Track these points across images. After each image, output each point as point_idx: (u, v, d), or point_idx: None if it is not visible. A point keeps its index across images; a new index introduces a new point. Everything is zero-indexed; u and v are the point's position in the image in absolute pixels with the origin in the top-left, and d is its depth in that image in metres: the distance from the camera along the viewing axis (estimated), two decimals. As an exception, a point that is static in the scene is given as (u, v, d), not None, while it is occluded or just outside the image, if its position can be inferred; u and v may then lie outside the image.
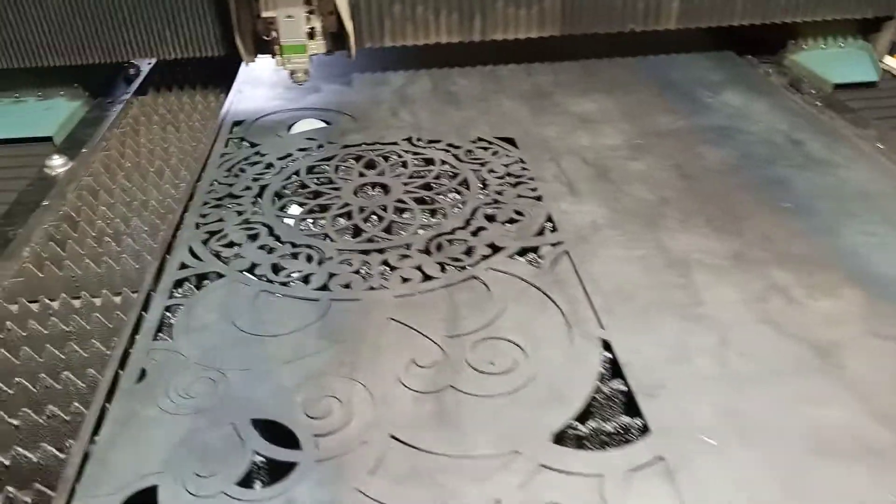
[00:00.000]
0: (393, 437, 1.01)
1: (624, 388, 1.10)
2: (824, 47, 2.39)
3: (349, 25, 2.02)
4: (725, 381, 1.07)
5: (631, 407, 1.08)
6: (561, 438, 1.03)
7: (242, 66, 2.37)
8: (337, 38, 2.09)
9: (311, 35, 2.01)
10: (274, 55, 2.05)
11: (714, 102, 2.03)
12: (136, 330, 1.25)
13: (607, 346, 1.16)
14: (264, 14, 1.94)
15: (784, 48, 2.41)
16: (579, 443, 1.06)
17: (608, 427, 1.06)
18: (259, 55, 2.12)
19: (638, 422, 1.04)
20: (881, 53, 2.32)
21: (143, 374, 1.15)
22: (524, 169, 1.71)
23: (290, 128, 1.98)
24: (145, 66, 2.58)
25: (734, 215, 1.48)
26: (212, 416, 1.06)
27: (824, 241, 1.39)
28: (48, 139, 2.08)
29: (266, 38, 2.01)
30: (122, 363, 1.18)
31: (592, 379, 1.09)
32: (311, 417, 1.05)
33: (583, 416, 1.06)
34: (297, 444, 1.01)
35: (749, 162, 1.70)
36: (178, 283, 1.37)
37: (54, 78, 2.26)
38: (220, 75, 2.37)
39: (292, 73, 2.08)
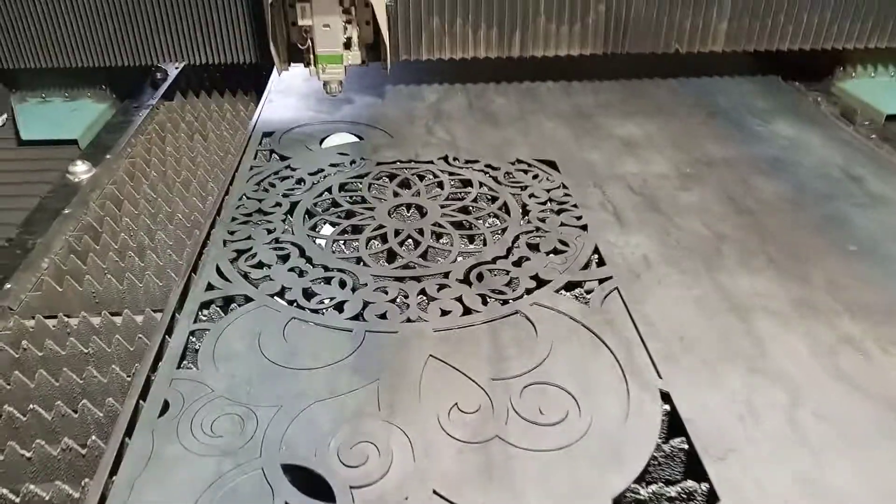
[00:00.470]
0: (436, 494, 0.92)
1: (685, 446, 1.01)
2: (874, 76, 2.32)
3: (386, 37, 1.95)
4: (801, 445, 0.98)
5: (691, 467, 0.99)
6: (618, 501, 0.94)
7: (273, 75, 2.32)
8: (372, 49, 2.03)
9: (348, 45, 1.95)
10: (308, 64, 1.98)
11: (764, 131, 1.94)
12: (158, 356, 1.17)
13: (666, 397, 1.07)
14: (301, 22, 1.87)
15: (832, 75, 2.33)
16: (638, 507, 0.97)
17: (671, 491, 0.97)
18: (292, 64, 2.06)
19: (704, 487, 0.95)
20: None
21: (165, 406, 1.07)
22: (567, 195, 1.63)
23: (321, 141, 1.90)
24: (173, 70, 2.53)
25: (796, 257, 1.39)
26: (240, 458, 0.98)
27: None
28: (73, 142, 2.02)
29: (301, 46, 1.95)
30: (144, 393, 1.10)
31: (654, 436, 1.00)
32: (347, 465, 0.96)
33: (641, 477, 0.97)
34: (332, 496, 0.93)
35: (807, 197, 1.60)
36: (205, 306, 1.29)
37: (81, 79, 2.22)
38: (250, 83, 2.32)
39: (326, 84, 2.01)
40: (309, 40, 1.91)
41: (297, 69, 2.07)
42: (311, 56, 1.94)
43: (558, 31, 2.11)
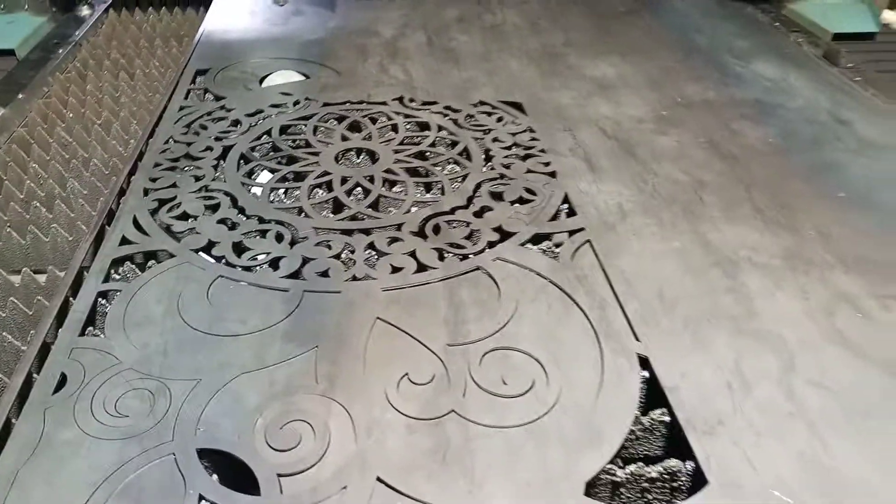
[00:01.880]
0: (380, 482, 0.78)
1: (667, 418, 0.89)
2: None
3: None
4: (798, 418, 0.86)
5: (674, 442, 0.87)
6: (592, 484, 0.81)
7: None
8: None
9: None
10: None
11: (745, 72, 1.80)
12: (59, 320, 1.00)
13: (645, 363, 0.94)
14: None
15: None
16: (613, 490, 0.85)
17: (651, 471, 0.84)
18: None
19: (689, 466, 0.83)
20: (881, 6, 2.24)
21: (63, 380, 0.91)
22: (534, 139, 1.47)
23: (262, 80, 1.71)
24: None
25: (784, 205, 1.26)
26: (147, 442, 0.82)
27: (893, 241, 1.18)
28: (10, 52, 1.90)
29: None
30: (39, 365, 0.93)
31: (631, 410, 0.87)
32: (275, 449, 0.82)
33: (617, 454, 0.84)
34: (256, 486, 0.78)
35: (793, 143, 1.47)
36: (118, 263, 1.11)
37: None
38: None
39: None
40: None
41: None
42: None
43: None
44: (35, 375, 0.92)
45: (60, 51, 1.96)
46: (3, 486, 0.78)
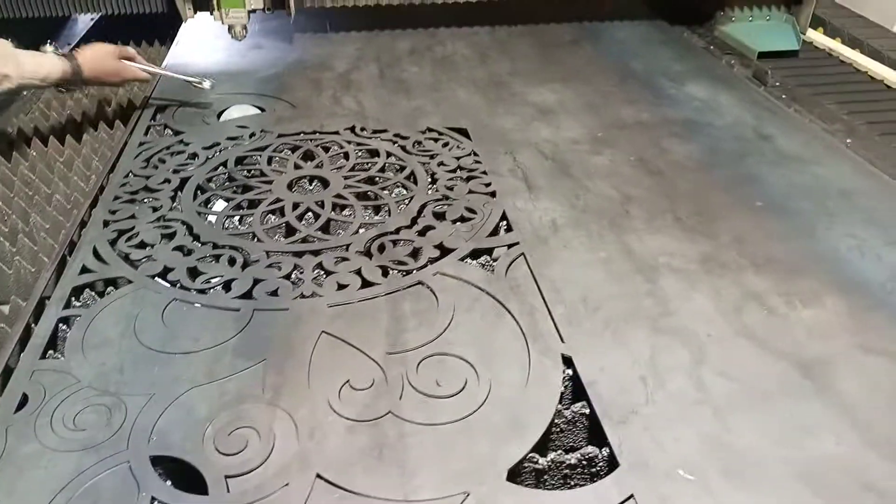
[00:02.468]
0: (320, 477, 0.85)
1: (587, 411, 0.96)
2: (752, 19, 2.44)
3: None
4: (704, 405, 0.95)
5: (596, 433, 0.94)
6: (517, 472, 0.89)
7: (182, 27, 2.31)
8: None
9: None
10: (212, 11, 1.97)
11: (678, 94, 1.92)
12: (21, 346, 1.06)
13: (569, 362, 1.02)
14: None
15: (713, 19, 2.47)
16: (538, 477, 0.92)
17: (570, 458, 0.92)
18: (199, 12, 2.04)
19: (605, 452, 0.91)
20: (804, 26, 2.39)
21: (24, 400, 0.96)
22: (477, 162, 1.57)
23: (220, 115, 1.79)
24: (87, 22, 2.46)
25: (704, 215, 1.37)
26: (104, 452, 0.88)
27: (802, 244, 1.28)
28: None
29: None
30: (2, 387, 0.99)
31: (553, 403, 0.95)
32: (223, 454, 0.88)
33: (541, 445, 0.92)
34: (205, 487, 0.85)
35: (717, 158, 1.58)
36: (78, 291, 1.18)
37: None
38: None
39: (230, 28, 2.00)
40: None
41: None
42: (215, 2, 1.93)
43: None
44: (-3, 397, 0.97)
45: (25, 92, 2.02)
46: (-34, 498, 0.83)
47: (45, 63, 1.56)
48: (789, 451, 0.89)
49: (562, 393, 0.98)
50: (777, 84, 2.02)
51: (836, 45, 2.30)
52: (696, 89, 1.95)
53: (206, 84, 1.80)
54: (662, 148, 1.63)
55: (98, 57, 1.65)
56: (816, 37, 2.40)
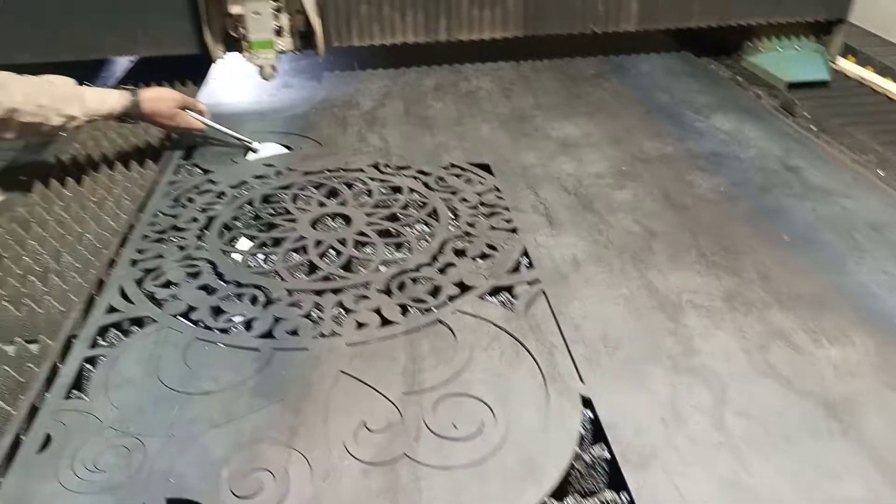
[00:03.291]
0: (333, 522, 0.85)
1: (608, 455, 0.94)
2: (780, 49, 2.41)
3: (316, 24, 2.01)
4: (726, 447, 0.92)
5: (616, 478, 0.92)
6: (534, 519, 0.87)
7: (213, 67, 2.38)
8: (305, 37, 2.08)
9: (279, 33, 1.98)
10: (242, 52, 2.02)
11: (703, 126, 1.91)
12: (48, 385, 1.08)
13: (588, 403, 1.01)
14: (232, 11, 1.91)
15: (741, 50, 2.44)
16: (555, 524, 0.90)
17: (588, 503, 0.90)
18: (228, 53, 2.11)
19: (624, 497, 0.88)
20: (833, 55, 2.36)
21: (47, 440, 0.98)
22: (499, 198, 1.57)
23: (247, 153, 1.83)
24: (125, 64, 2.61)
25: (729, 250, 1.34)
26: (122, 494, 0.89)
27: (830, 280, 1.25)
28: None
29: (234, 34, 1.99)
30: (26, 427, 1.01)
31: (571, 445, 0.93)
32: (238, 496, 0.88)
33: (558, 490, 0.90)
34: (220, 531, 0.85)
35: (743, 191, 1.56)
36: (104, 330, 1.20)
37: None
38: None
39: (260, 68, 2.04)
40: (241, 28, 1.95)
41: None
42: (245, 43, 1.98)
43: (480, 14, 2.19)
44: (22, 437, 0.99)
45: (62, 133, 2.10)
46: (-12, 538, 0.85)
47: (109, 99, 1.67)
48: (813, 494, 0.85)
49: (581, 435, 0.96)
50: (806, 115, 1.99)
51: (867, 74, 2.27)
52: (722, 121, 1.93)
53: (256, 145, 1.84)
54: (687, 181, 1.61)
55: (159, 98, 1.74)
56: (847, 66, 2.37)
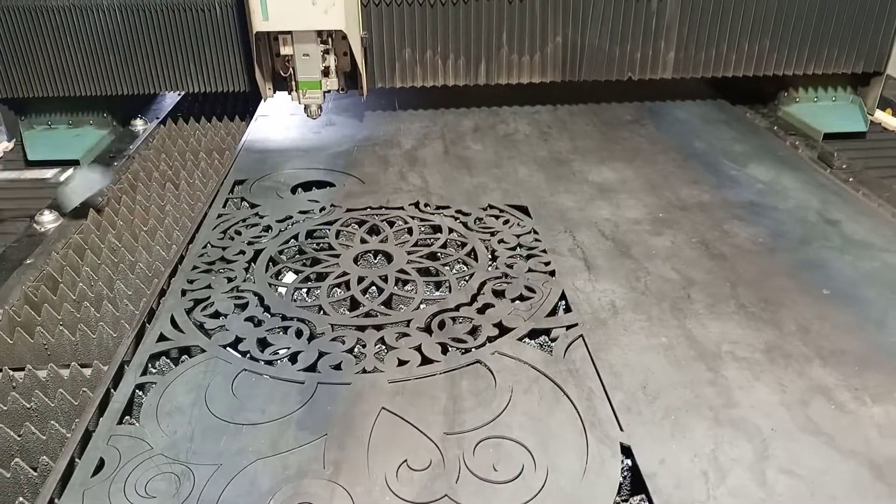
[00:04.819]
0: (376, 559, 0.86)
1: (647, 504, 0.95)
2: (817, 100, 2.45)
3: (361, 66, 2.09)
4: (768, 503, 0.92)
5: (655, 528, 0.93)
6: (573, 566, 0.88)
7: (261, 104, 2.49)
8: (350, 78, 2.16)
9: (326, 73, 2.06)
10: (290, 91, 2.10)
11: (740, 175, 1.92)
12: (101, 410, 1.12)
13: (628, 452, 1.01)
14: (283, 52, 1.99)
15: (777, 100, 2.48)
16: (594, 572, 0.91)
17: (629, 555, 0.90)
18: (278, 91, 2.18)
19: (664, 550, 0.89)
20: (871, 107, 2.38)
21: (101, 464, 1.02)
22: (537, 240, 1.60)
23: (294, 189, 1.89)
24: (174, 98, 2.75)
25: (768, 301, 1.35)
26: (171, 521, 0.92)
27: (871, 336, 1.25)
28: (76, 162, 2.17)
29: (284, 74, 2.07)
30: (81, 449, 1.05)
31: (611, 495, 0.94)
32: (284, 529, 0.90)
33: (599, 539, 0.91)
34: (265, 562, 0.87)
35: (781, 242, 1.57)
36: (155, 358, 1.24)
37: (84, 107, 2.35)
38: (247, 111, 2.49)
39: (306, 107, 2.11)
40: (291, 68, 2.03)
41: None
42: (293, 83, 2.06)
43: (520, 60, 2.25)
44: (77, 460, 1.03)
45: (116, 163, 2.19)
46: (43, 559, 0.88)
47: None
48: (861, 560, 0.85)
49: (620, 484, 0.97)
50: (844, 166, 2.00)
51: (906, 127, 2.27)
52: (759, 171, 1.94)
53: None
54: (724, 230, 1.63)
55: None
56: (885, 118, 2.37)
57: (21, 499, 0.99)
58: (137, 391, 1.17)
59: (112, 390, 1.17)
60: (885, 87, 2.38)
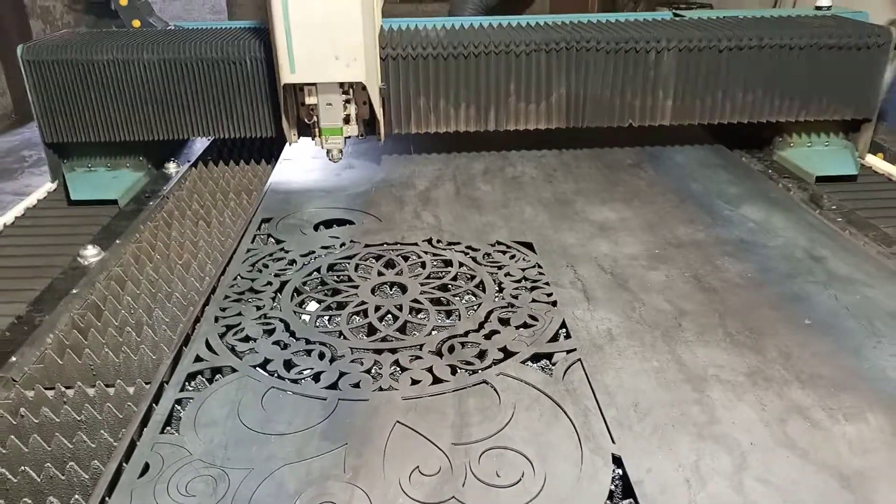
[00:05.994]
0: (390, 551, 0.97)
1: (635, 508, 1.05)
2: (810, 145, 2.58)
3: (380, 114, 2.25)
4: (742, 507, 1.02)
5: (642, 530, 1.03)
6: (567, 561, 0.98)
7: (285, 148, 2.68)
8: (369, 124, 2.33)
9: (347, 120, 2.23)
10: (314, 137, 2.27)
11: (734, 216, 2.05)
12: (144, 422, 1.25)
13: (619, 462, 1.12)
14: (308, 101, 2.16)
15: (772, 144, 2.62)
16: (586, 567, 1.01)
17: (617, 551, 1.01)
18: (301, 137, 2.35)
19: (649, 547, 0.99)
20: (862, 152, 2.51)
21: (146, 468, 1.14)
22: (540, 273, 1.72)
23: (316, 227, 2.03)
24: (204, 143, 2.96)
25: (754, 331, 1.46)
26: (209, 517, 1.04)
27: (848, 363, 1.35)
28: (114, 202, 2.35)
29: (308, 122, 2.24)
30: (128, 456, 1.17)
31: (602, 498, 1.05)
32: (309, 524, 1.02)
33: (591, 538, 1.01)
34: (292, 553, 0.98)
35: (769, 277, 1.68)
36: (192, 376, 1.37)
37: (121, 151, 2.54)
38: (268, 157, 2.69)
39: (328, 151, 2.28)
40: (315, 116, 2.20)
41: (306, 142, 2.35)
42: (317, 129, 2.23)
43: (527, 108, 2.42)
44: (124, 465, 1.15)
45: (151, 203, 2.36)
46: (97, 547, 1.00)
47: None
48: (825, 557, 0.95)
49: (611, 490, 1.08)
50: (833, 207, 2.12)
51: (895, 171, 2.39)
52: (751, 211, 2.07)
53: None
54: (716, 266, 1.74)
55: None
56: (876, 162, 2.50)
57: (77, 496, 1.11)
58: (176, 406, 1.29)
59: (154, 405, 1.29)
60: (876, 132, 2.51)
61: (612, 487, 1.09)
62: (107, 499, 1.08)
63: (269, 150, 2.73)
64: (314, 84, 2.11)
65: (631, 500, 1.06)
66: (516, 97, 2.38)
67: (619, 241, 1.90)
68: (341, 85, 2.13)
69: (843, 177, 2.36)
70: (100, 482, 1.11)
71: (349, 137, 2.28)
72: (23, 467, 1.18)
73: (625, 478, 1.10)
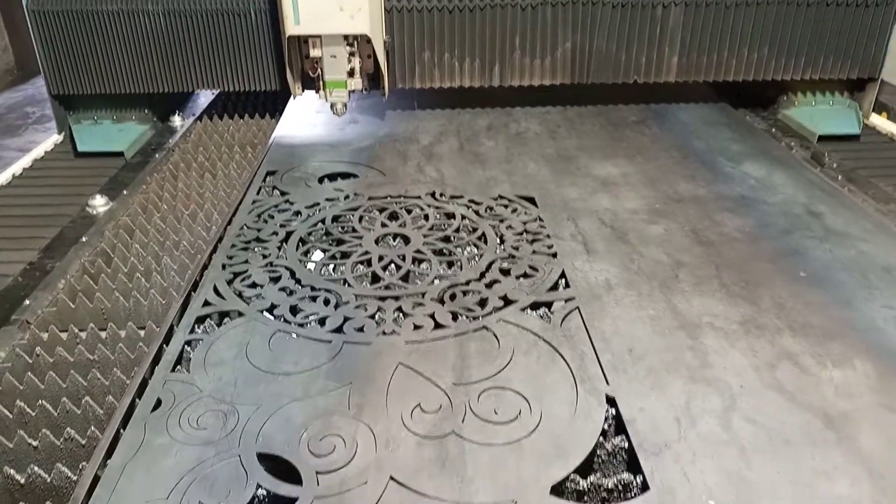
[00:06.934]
0: (393, 479, 1.02)
1: (625, 444, 1.10)
2: (814, 104, 2.59)
3: (384, 67, 2.27)
4: (731, 446, 1.07)
5: (632, 464, 1.08)
6: (560, 491, 1.03)
7: (289, 102, 2.69)
8: (373, 79, 2.34)
9: (352, 74, 2.24)
10: (318, 90, 2.29)
11: (735, 172, 2.06)
12: (156, 361, 1.29)
13: (612, 402, 1.17)
14: (312, 54, 2.18)
15: (777, 103, 2.63)
16: (578, 497, 1.06)
17: (608, 482, 1.05)
18: (306, 90, 2.36)
19: (639, 479, 1.04)
20: (866, 111, 2.52)
21: (158, 403, 1.19)
22: (542, 227, 1.75)
23: (320, 179, 2.06)
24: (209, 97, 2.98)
25: (749, 282, 1.49)
26: (220, 447, 1.09)
27: (839, 313, 1.39)
28: (121, 154, 2.37)
29: (312, 74, 2.25)
30: (140, 392, 1.22)
31: (595, 434, 1.09)
32: (315, 454, 1.07)
33: (583, 471, 1.06)
34: (300, 480, 1.03)
35: (766, 231, 1.71)
36: (201, 320, 1.42)
37: (127, 103, 2.57)
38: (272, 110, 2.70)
39: (332, 105, 2.30)
40: (319, 69, 2.21)
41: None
42: (321, 82, 2.25)
43: (531, 63, 2.42)
44: (137, 400, 1.20)
45: (157, 155, 2.38)
46: (115, 475, 1.05)
47: None
48: (806, 491, 0.99)
49: (604, 429, 1.12)
50: (834, 165, 2.13)
51: (898, 130, 2.40)
52: (752, 168, 2.08)
53: None
54: (715, 220, 1.77)
55: None
56: (880, 122, 2.50)
57: (93, 427, 1.16)
58: (186, 347, 1.34)
59: (164, 346, 1.34)
60: (881, 91, 2.50)
61: (606, 426, 1.13)
62: (121, 431, 1.13)
63: (274, 105, 2.73)
64: (318, 36, 2.11)
65: (623, 436, 1.10)
66: (521, 52, 2.38)
67: (621, 196, 1.92)
68: (345, 37, 2.13)
69: (847, 136, 2.36)
70: (114, 415, 1.16)
71: (353, 92, 2.29)
72: (40, 401, 1.23)
73: (618, 417, 1.14)
